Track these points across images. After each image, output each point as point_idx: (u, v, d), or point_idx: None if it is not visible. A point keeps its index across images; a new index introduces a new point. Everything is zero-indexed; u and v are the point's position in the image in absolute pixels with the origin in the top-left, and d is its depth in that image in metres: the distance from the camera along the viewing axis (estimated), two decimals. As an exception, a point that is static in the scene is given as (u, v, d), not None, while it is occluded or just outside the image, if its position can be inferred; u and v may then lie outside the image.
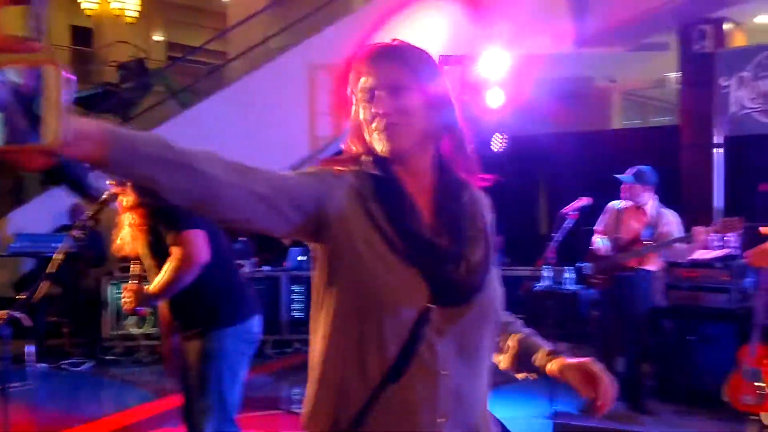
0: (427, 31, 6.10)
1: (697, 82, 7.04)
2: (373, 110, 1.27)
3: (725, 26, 7.13)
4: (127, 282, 2.82)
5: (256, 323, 2.84)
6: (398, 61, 1.29)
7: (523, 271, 6.13)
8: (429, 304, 1.23)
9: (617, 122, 10.83)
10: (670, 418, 4.83)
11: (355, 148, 1.33)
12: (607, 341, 5.15)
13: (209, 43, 10.92)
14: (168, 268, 2.64)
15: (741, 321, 4.82)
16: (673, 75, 7.87)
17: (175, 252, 2.63)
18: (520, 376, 1.47)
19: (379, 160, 1.29)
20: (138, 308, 2.77)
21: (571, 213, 5.17)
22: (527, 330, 1.49)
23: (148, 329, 6.76)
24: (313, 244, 1.30)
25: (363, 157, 1.31)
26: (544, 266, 5.35)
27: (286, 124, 7.60)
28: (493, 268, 1.33)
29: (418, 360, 1.23)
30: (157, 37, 15.25)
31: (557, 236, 5.20)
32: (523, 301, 5.65)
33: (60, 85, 0.86)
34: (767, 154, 5.64)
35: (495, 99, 6.19)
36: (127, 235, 2.75)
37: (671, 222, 4.92)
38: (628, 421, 4.78)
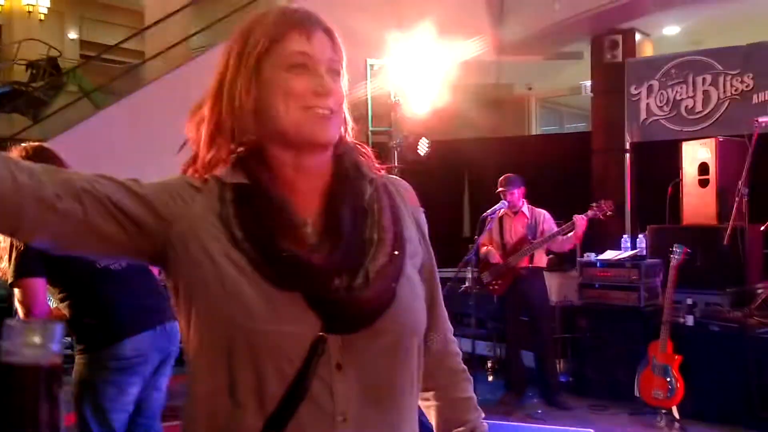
0: (351, 36, 6.12)
1: (609, 90, 7.33)
2: (318, 87, 1.03)
3: (636, 37, 7.46)
4: None
5: (128, 346, 2.58)
6: (331, 40, 1.08)
7: (448, 272, 6.24)
8: (322, 333, 0.98)
9: (535, 128, 11.16)
10: (584, 413, 5.00)
11: (211, 142, 1.06)
12: (516, 339, 5.36)
13: (126, 42, 10.58)
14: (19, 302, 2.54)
15: (650, 318, 5.05)
16: (587, 83, 8.16)
17: (16, 295, 2.53)
18: None
19: (243, 160, 1.05)
20: None
21: (490, 217, 5.33)
22: None
23: (62, 339, 6.47)
24: (164, 271, 1.07)
25: (222, 158, 1.06)
26: (466, 268, 5.48)
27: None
28: (410, 276, 1.08)
29: (309, 404, 0.98)
30: (71, 35, 14.68)
31: (479, 239, 5.33)
32: (448, 303, 5.74)
33: None
34: (674, 158, 5.92)
35: (419, 105, 6.27)
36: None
37: (548, 219, 5.30)
38: (542, 417, 4.93)
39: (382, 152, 1.21)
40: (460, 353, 1.27)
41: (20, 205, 0.92)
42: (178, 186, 1.05)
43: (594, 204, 5.16)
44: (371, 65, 6.11)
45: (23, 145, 2.64)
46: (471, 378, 1.27)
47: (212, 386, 1.01)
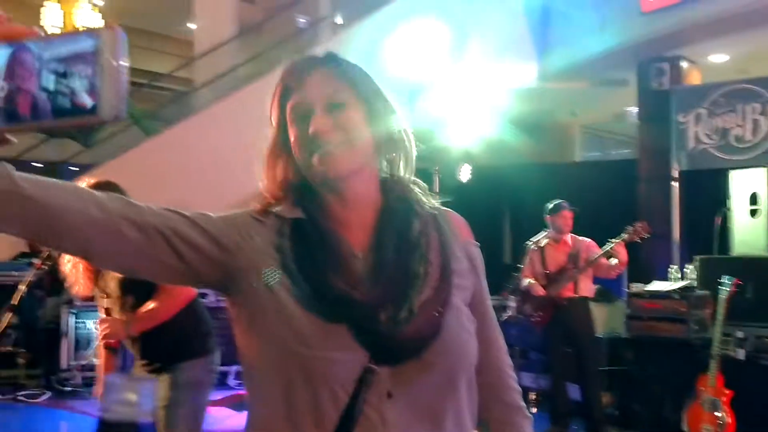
0: (396, 63, 6.21)
1: (655, 117, 7.23)
2: (310, 130, 1.08)
3: (682, 64, 7.37)
4: (94, 313, 2.80)
5: (218, 356, 2.87)
6: (333, 73, 1.12)
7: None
8: (370, 365, 1.03)
9: (578, 155, 11.05)
10: (631, 448, 4.88)
11: (271, 184, 1.16)
12: (561, 371, 5.25)
13: (175, 71, 10.87)
14: (158, 299, 2.65)
15: (699, 351, 4.92)
16: (632, 110, 8.07)
17: (157, 301, 2.65)
18: None
19: (299, 199, 1.13)
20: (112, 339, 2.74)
21: (533, 244, 5.28)
22: None
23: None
24: (226, 298, 1.13)
25: (282, 196, 1.15)
26: (509, 296, 5.43)
27: (254, 155, 7.57)
28: (457, 307, 1.11)
29: (363, 431, 1.02)
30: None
31: (522, 267, 5.29)
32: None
33: (118, 52, 0.78)
34: (722, 187, 5.80)
35: (462, 131, 6.30)
36: (76, 274, 2.67)
37: (591, 247, 5.15)
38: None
39: (423, 178, 1.24)
40: (520, 390, 1.28)
41: (92, 236, 1.01)
42: (242, 220, 1.13)
43: (630, 227, 5.05)
44: (414, 91, 6.16)
45: (89, 179, 2.73)
46: (530, 416, 1.27)
47: (271, 409, 1.07)
